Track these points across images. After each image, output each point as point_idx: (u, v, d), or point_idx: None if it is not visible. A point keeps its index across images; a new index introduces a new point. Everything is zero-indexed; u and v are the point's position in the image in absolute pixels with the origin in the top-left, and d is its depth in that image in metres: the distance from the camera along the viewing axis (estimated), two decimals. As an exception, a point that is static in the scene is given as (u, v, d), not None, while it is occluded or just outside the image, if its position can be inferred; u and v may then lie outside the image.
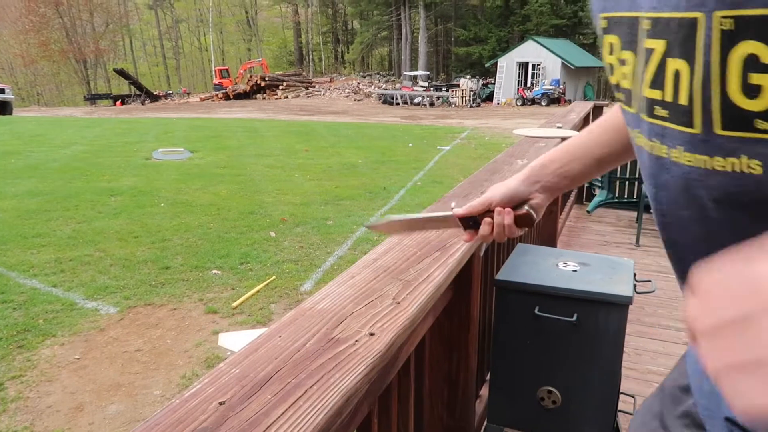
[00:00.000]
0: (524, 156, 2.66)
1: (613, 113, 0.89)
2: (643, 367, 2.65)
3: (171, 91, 41.72)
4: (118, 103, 35.50)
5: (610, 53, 0.61)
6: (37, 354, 4.18)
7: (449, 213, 0.99)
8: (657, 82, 0.54)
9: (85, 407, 3.56)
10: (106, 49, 49.62)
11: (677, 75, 0.51)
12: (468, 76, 32.86)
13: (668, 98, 0.53)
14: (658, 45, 0.52)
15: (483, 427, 2.02)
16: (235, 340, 4.32)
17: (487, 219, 0.94)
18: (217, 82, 38.68)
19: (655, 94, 0.54)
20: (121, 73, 37.21)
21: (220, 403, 0.73)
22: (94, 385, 3.80)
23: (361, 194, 9.09)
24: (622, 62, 0.60)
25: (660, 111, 0.54)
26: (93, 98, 38.18)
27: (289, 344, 0.89)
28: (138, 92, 36.92)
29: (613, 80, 0.63)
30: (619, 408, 1.93)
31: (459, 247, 1.39)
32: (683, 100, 0.51)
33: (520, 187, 0.94)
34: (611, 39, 0.61)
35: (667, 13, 0.50)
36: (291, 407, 0.73)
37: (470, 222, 0.98)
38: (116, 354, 4.19)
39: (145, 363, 4.06)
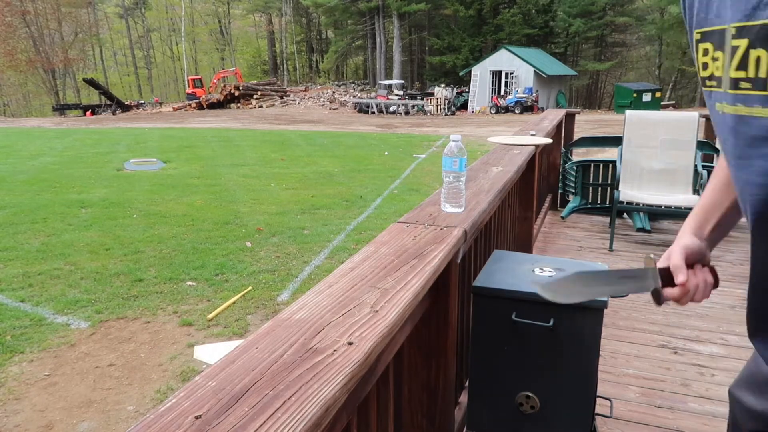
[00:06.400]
0: (499, 163, 2.68)
1: (721, 169, 1.04)
2: (619, 370, 2.69)
3: (143, 101, 41.10)
4: (89, 113, 34.83)
5: (705, 55, 0.84)
6: (5, 371, 4.06)
7: (646, 268, 0.96)
8: (741, 67, 0.77)
9: (55, 425, 3.46)
10: (75, 59, 48.65)
11: (758, 60, 0.74)
12: (442, 85, 33.11)
13: (751, 75, 0.76)
14: (742, 43, 0.76)
15: (462, 435, 2.02)
16: (211, 353, 4.26)
17: (690, 273, 0.96)
18: (190, 92, 38.27)
19: (740, 74, 0.78)
20: (91, 82, 36.57)
21: (197, 417, 0.71)
22: (65, 402, 3.70)
23: (338, 203, 9.07)
24: (715, 59, 0.82)
25: (745, 84, 0.78)
26: (62, 108, 37.43)
27: (267, 355, 0.88)
28: (109, 102, 36.31)
29: (706, 73, 0.85)
30: (596, 411, 1.95)
31: (436, 254, 1.40)
32: (763, 73, 0.74)
33: (701, 243, 1.00)
34: (705, 45, 0.84)
35: (752, 22, 0.74)
36: (269, 419, 0.72)
37: (668, 276, 0.96)
38: (88, 369, 4.09)
39: (118, 378, 3.97)
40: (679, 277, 0.95)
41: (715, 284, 0.98)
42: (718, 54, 0.82)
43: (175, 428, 0.69)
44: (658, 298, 0.97)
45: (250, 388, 0.78)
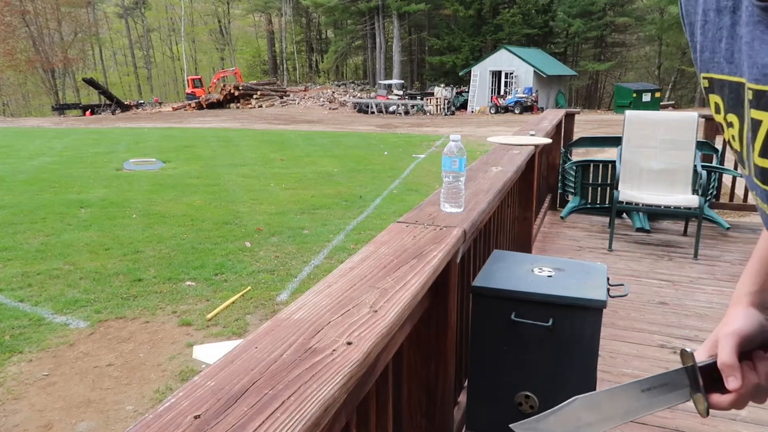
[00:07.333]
0: (498, 163, 2.68)
1: None
2: (618, 370, 2.69)
3: (142, 101, 41.08)
4: (88, 113, 34.81)
5: (717, 112, 0.61)
6: (4, 371, 4.05)
7: (679, 369, 0.69)
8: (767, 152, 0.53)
9: (54, 425, 3.46)
10: (74, 59, 48.62)
11: None
12: (442, 85, 33.10)
13: None
14: (766, 118, 0.52)
15: (462, 435, 2.02)
16: (210, 353, 4.26)
17: (747, 369, 0.67)
18: (189, 92, 38.25)
19: (767, 164, 0.54)
20: (91, 82, 36.55)
21: (195, 417, 0.71)
22: (64, 402, 3.70)
23: (337, 203, 9.07)
24: (730, 124, 0.59)
25: None
26: (61, 108, 37.40)
27: (266, 355, 0.88)
28: (108, 102, 36.29)
29: (726, 136, 0.62)
30: (595, 411, 1.95)
31: (435, 254, 1.39)
32: None
33: (760, 318, 0.71)
34: (715, 99, 0.60)
35: None
36: (268, 419, 0.72)
37: (713, 376, 0.68)
38: (86, 369, 4.09)
39: (117, 378, 3.97)
40: (731, 383, 0.66)
41: None
42: (733, 119, 0.58)
43: (174, 428, 0.69)
44: (704, 408, 0.69)
45: (249, 388, 0.78)
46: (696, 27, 0.61)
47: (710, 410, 0.69)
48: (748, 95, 0.53)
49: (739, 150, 0.59)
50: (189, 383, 0.79)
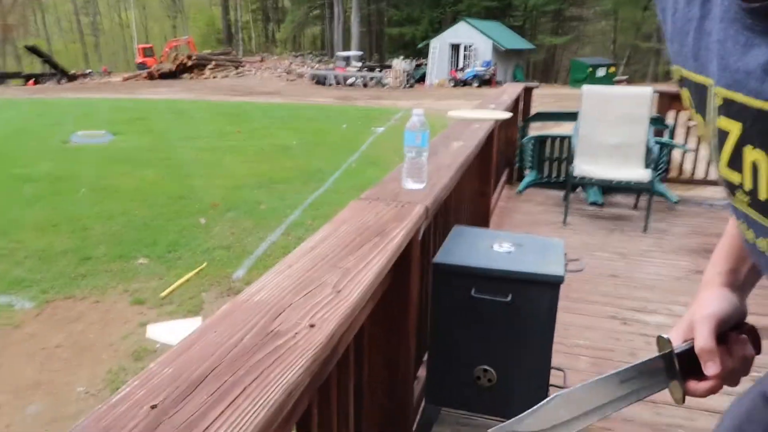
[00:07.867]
0: (459, 138, 2.68)
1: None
2: (571, 342, 2.76)
3: (90, 71, 39.26)
4: (31, 82, 33.03)
5: (691, 105, 0.57)
6: (-54, 354, 3.89)
7: (657, 356, 0.68)
8: (735, 165, 0.50)
9: (2, 408, 3.35)
10: (15, 25, 46.02)
11: (755, 166, 0.47)
12: (401, 57, 32.82)
13: (747, 186, 0.49)
14: (734, 128, 0.48)
15: (421, 408, 2.05)
16: (164, 331, 4.18)
17: (723, 352, 0.65)
18: (140, 61, 36.76)
19: (734, 177, 0.51)
20: (34, 50, 34.71)
21: (152, 407, 0.68)
22: (11, 384, 3.57)
23: (295, 177, 8.96)
24: (697, 122, 0.56)
25: (741, 196, 0.51)
26: (2, 77, 35.43)
27: (225, 339, 0.85)
28: (53, 71, 34.55)
29: (699, 132, 0.58)
30: (550, 382, 2.00)
31: (398, 232, 1.38)
32: (763, 194, 0.47)
33: (734, 299, 0.69)
34: (685, 93, 0.57)
35: (744, 97, 0.45)
36: (229, 407, 0.70)
37: (690, 361, 0.66)
38: (34, 351, 3.96)
39: (67, 359, 3.86)
40: (710, 368, 0.64)
41: (757, 350, 0.67)
42: (698, 119, 0.55)
43: (129, 419, 0.66)
44: (680, 396, 0.67)
45: (209, 375, 0.76)
46: (667, 13, 0.55)
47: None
48: (716, 100, 0.49)
49: (708, 149, 0.56)
50: (145, 371, 0.76)
